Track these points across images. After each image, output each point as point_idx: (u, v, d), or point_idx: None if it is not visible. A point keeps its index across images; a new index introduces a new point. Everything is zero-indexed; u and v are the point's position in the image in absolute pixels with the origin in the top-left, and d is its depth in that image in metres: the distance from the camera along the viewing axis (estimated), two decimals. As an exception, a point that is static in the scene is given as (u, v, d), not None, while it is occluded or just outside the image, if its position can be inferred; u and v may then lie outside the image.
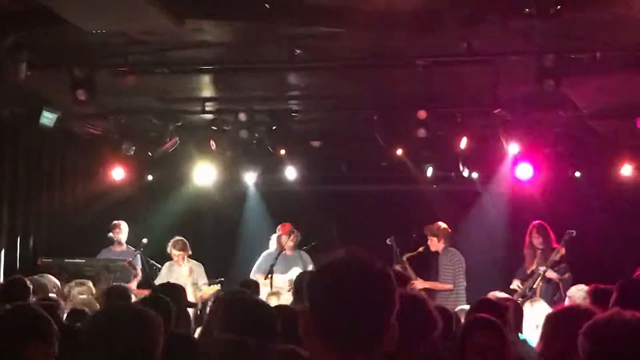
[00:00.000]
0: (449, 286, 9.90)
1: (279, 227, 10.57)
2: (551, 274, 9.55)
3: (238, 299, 4.51)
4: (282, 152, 11.15)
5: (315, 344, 2.13)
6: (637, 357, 2.85)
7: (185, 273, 10.04)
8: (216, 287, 9.74)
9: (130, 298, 6.78)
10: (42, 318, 3.52)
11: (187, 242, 10.24)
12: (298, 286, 7.18)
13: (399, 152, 10.88)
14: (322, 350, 2.12)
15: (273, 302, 7.62)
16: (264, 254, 10.44)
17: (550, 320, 3.95)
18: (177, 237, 10.27)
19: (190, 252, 10.23)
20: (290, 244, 10.33)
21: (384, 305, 2.15)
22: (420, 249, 10.23)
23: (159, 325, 3.08)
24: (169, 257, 10.39)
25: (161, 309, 3.82)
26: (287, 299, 8.68)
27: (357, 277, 2.13)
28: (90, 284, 7.39)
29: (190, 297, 9.22)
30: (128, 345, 2.95)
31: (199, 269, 10.27)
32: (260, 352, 3.33)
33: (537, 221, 10.10)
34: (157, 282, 9.97)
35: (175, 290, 5.94)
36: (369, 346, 2.12)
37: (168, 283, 7.15)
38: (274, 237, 10.58)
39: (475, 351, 3.91)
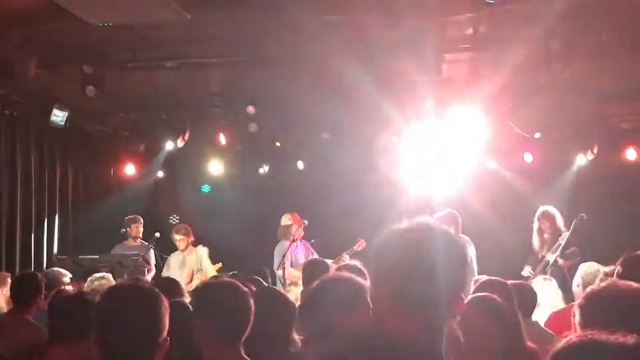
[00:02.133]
0: None
1: (288, 216, 10.48)
2: (558, 260, 9.50)
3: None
4: (291, 144, 11.19)
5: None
6: (632, 326, 2.84)
7: (190, 259, 10.17)
8: (218, 265, 9.84)
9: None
10: None
11: (188, 227, 10.35)
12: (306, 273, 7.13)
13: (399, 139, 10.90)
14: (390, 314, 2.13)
15: (292, 292, 7.64)
16: (278, 247, 10.35)
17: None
18: (179, 224, 10.40)
19: (192, 238, 10.33)
20: (302, 233, 10.30)
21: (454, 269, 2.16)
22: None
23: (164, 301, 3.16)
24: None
25: None
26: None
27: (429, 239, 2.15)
28: (110, 277, 7.43)
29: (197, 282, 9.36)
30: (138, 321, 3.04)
31: (202, 251, 10.33)
32: None
33: (544, 206, 10.10)
34: (164, 271, 10.20)
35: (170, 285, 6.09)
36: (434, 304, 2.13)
37: (165, 278, 7.22)
38: (284, 225, 10.44)
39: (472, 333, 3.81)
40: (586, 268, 6.42)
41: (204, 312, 3.60)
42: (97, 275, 7.17)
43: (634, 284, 3.00)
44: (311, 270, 6.98)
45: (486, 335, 3.83)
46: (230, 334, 3.54)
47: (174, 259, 10.40)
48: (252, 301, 3.65)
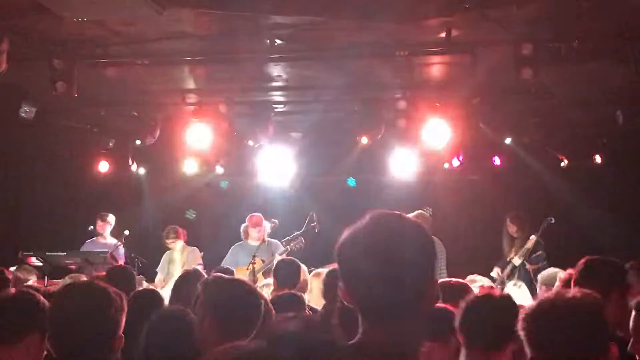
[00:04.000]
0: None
1: (247, 217, 10.45)
2: (525, 263, 9.58)
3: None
4: (263, 143, 11.15)
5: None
6: (575, 336, 2.81)
7: (181, 259, 10.21)
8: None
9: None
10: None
11: (179, 229, 10.39)
12: (276, 274, 7.14)
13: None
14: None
15: (265, 292, 7.64)
16: (233, 247, 10.33)
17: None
18: (168, 227, 10.42)
19: (184, 238, 10.38)
20: (255, 235, 10.19)
21: (424, 265, 1.99)
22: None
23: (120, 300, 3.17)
24: (155, 248, 10.52)
25: None
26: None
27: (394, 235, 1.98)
28: (84, 278, 7.37)
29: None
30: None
31: (194, 253, 10.39)
32: None
33: (513, 210, 10.20)
34: (158, 270, 10.37)
35: (124, 274, 6.13)
36: (406, 314, 1.96)
37: (117, 267, 7.25)
38: (242, 228, 10.43)
39: None
40: (547, 273, 6.54)
41: (214, 310, 3.55)
42: (72, 275, 7.10)
43: (575, 295, 2.91)
44: (285, 272, 7.01)
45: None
46: (241, 333, 3.45)
47: (164, 257, 10.54)
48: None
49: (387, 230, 1.99)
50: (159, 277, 10.41)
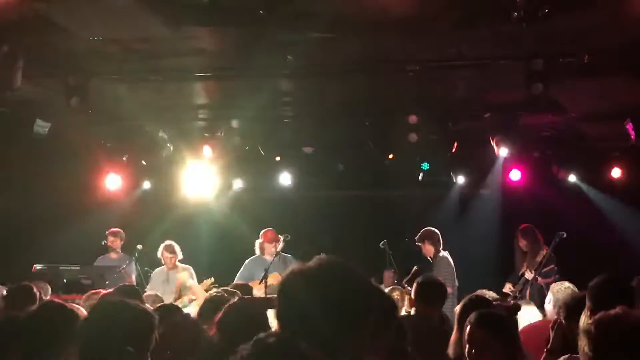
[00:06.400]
0: (449, 289, 9.74)
1: (261, 233, 10.44)
2: (537, 278, 9.55)
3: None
4: (276, 158, 11.22)
5: None
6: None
7: (176, 276, 10.09)
8: (210, 280, 9.76)
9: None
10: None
11: (177, 245, 10.28)
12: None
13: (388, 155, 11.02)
14: None
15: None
16: (248, 261, 10.38)
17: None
18: (168, 241, 10.30)
19: (181, 256, 10.26)
20: (272, 250, 10.26)
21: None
22: (414, 268, 9.92)
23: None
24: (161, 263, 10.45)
25: None
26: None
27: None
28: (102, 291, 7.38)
29: (184, 300, 9.34)
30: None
31: (188, 271, 10.26)
32: None
33: (525, 224, 10.18)
34: (149, 287, 9.99)
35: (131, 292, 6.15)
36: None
37: (123, 286, 7.19)
38: (257, 244, 10.49)
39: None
40: (558, 286, 6.52)
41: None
42: (92, 291, 7.11)
43: None
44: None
45: (487, 348, 3.97)
46: None
47: (157, 275, 10.31)
48: None
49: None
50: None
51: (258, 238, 10.42)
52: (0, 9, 5.35)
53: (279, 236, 10.28)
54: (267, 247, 10.26)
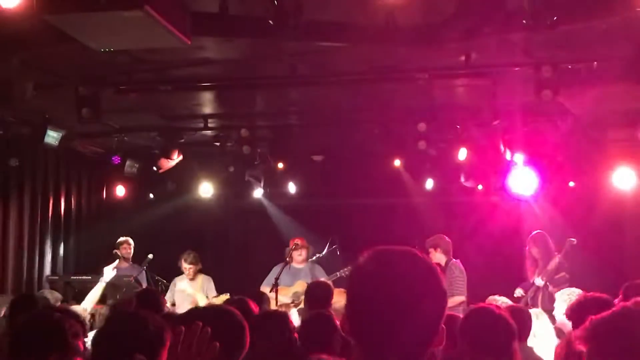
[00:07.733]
0: (462, 298, 9.70)
1: (290, 241, 10.64)
2: (548, 285, 9.52)
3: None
4: (282, 166, 11.28)
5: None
6: None
7: (196, 286, 10.21)
8: (226, 296, 9.78)
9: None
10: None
11: (197, 255, 10.37)
12: (309, 295, 7.36)
13: (397, 163, 11.06)
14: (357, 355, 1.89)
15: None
16: (274, 268, 10.47)
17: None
18: (189, 251, 10.41)
19: (200, 266, 10.37)
20: (298, 257, 10.42)
21: (436, 304, 1.90)
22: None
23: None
24: (174, 273, 10.50)
25: None
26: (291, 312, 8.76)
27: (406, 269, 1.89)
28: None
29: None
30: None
31: (208, 282, 10.40)
32: None
33: (535, 231, 10.15)
34: (168, 296, 10.09)
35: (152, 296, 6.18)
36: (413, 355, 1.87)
37: (144, 290, 7.23)
38: (287, 252, 10.61)
39: None
40: (567, 293, 6.49)
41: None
42: (110, 303, 7.15)
43: None
44: (314, 292, 7.17)
45: None
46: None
47: (180, 284, 10.40)
48: None
49: (396, 272, 1.90)
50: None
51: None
52: (11, 20, 5.36)
53: (307, 245, 10.54)
54: (294, 255, 10.42)
